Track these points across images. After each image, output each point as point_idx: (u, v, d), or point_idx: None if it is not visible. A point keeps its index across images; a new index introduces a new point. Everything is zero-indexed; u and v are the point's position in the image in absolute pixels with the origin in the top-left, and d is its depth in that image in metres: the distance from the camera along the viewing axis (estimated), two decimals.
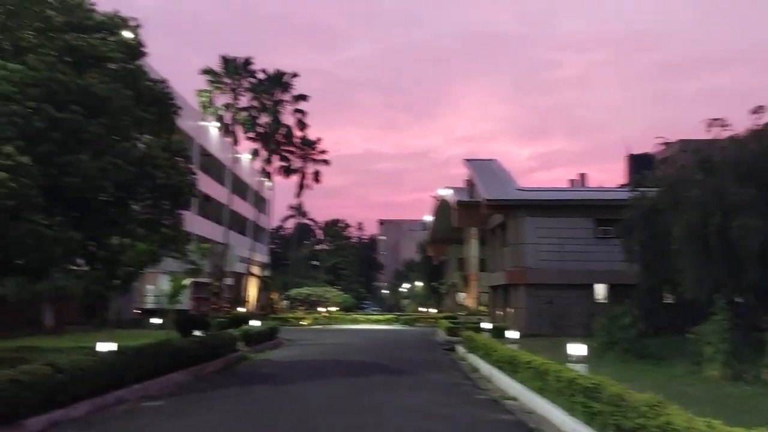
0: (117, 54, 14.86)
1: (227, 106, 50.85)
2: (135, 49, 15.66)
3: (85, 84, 12.71)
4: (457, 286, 53.27)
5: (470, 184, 39.42)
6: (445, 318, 39.18)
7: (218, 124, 51.37)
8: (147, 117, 15.06)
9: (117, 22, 15.34)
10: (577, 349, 12.92)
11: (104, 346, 12.05)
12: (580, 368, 11.46)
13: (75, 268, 18.57)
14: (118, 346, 12.37)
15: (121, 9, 15.73)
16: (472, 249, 46.01)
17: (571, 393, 9.44)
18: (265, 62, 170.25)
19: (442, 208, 46.17)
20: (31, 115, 11.63)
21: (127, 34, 15.44)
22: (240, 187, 59.22)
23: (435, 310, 56.05)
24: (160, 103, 16.11)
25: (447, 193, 43.50)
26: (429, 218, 55.58)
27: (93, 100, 12.76)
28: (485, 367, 16.54)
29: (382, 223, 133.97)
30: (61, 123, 11.86)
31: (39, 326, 28.31)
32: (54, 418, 9.23)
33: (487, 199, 32.07)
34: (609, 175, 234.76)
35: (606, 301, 28.57)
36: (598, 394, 8.42)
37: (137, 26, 15.78)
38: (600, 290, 29.87)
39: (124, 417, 10.20)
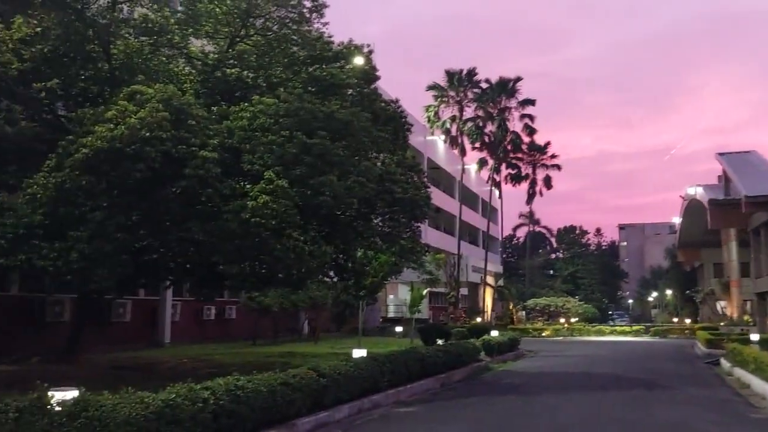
0: (354, 80, 15.94)
1: (453, 119, 51.79)
2: (369, 74, 16.63)
3: (329, 111, 13.74)
4: (714, 293, 48.32)
5: (725, 180, 35.69)
6: (703, 329, 35.72)
7: (444, 137, 52.60)
8: (383, 136, 15.83)
9: (352, 51, 16.43)
10: None
11: (358, 353, 12.77)
12: None
13: (327, 279, 20.17)
14: (368, 353, 13.05)
15: (352, 36, 16.86)
16: (732, 252, 41.75)
17: None
18: (488, 71, 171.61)
19: (693, 208, 42.23)
20: (285, 142, 12.84)
21: (359, 60, 16.47)
22: (469, 198, 59.89)
23: (689, 321, 51.40)
24: (393, 122, 16.89)
25: (697, 191, 39.73)
26: (677, 220, 51.26)
27: (337, 124, 13.74)
28: (758, 383, 14.57)
29: (622, 228, 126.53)
30: (311, 148, 12.93)
31: (297, 333, 31.36)
32: (320, 419, 9.85)
33: (748, 196, 28.76)
34: None
35: None
36: None
37: (370, 52, 16.75)
38: None
39: (382, 421, 10.65)
